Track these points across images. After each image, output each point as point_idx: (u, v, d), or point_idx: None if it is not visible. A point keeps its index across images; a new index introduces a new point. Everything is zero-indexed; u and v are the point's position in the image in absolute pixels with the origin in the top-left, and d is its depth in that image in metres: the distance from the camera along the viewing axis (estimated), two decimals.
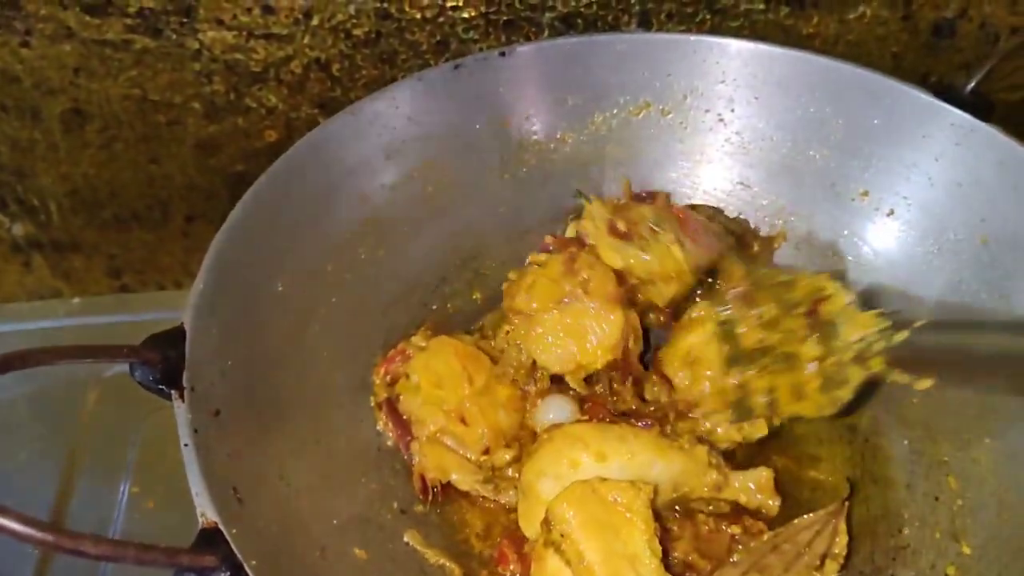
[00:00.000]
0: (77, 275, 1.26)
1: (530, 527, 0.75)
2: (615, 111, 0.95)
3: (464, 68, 0.89)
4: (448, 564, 0.77)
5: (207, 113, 1.10)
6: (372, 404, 0.85)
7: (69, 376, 1.03)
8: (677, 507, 0.78)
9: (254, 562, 0.58)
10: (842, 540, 0.76)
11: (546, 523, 0.71)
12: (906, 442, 0.85)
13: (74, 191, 1.17)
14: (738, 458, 0.83)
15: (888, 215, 0.91)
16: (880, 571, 0.78)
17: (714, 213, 0.96)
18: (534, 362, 0.84)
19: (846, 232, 0.93)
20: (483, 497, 0.81)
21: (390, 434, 0.84)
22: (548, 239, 0.91)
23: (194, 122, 1.11)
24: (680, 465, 0.76)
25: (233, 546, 0.58)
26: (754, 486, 0.78)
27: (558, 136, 0.96)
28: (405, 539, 0.78)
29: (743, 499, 0.79)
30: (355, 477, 0.79)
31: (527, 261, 0.89)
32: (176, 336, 0.67)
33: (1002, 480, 0.78)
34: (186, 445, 0.62)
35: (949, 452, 0.83)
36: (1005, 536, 0.74)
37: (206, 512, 0.59)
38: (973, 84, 0.85)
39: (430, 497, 0.81)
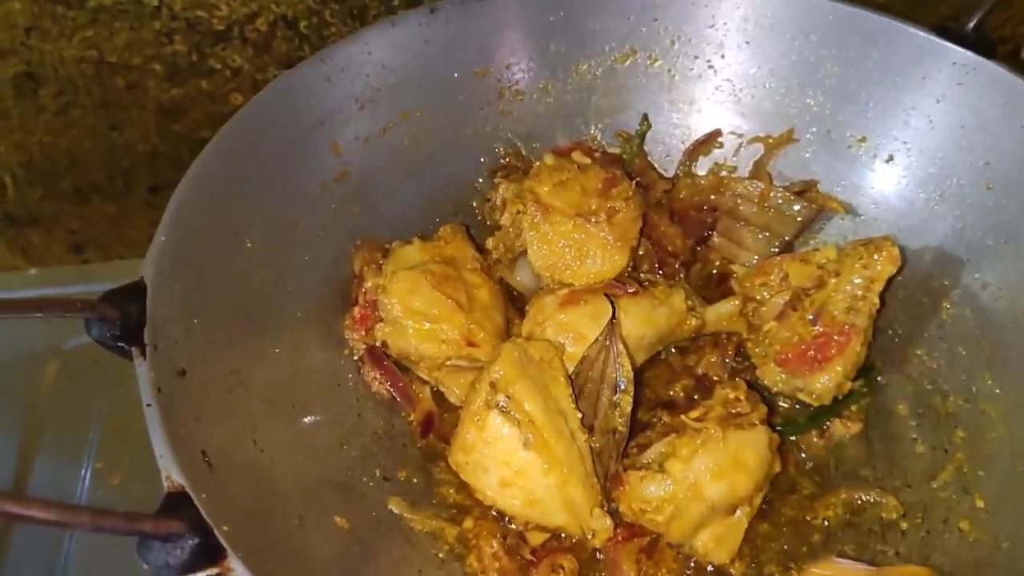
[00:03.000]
0: (36, 251, 1.20)
1: None
2: (600, 59, 0.91)
3: (440, 12, 0.85)
4: (440, 526, 0.73)
5: (169, 75, 1.05)
6: (354, 359, 0.81)
7: (27, 348, 0.98)
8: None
9: (226, 528, 0.53)
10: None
11: (492, 386, 0.70)
12: (912, 396, 0.82)
13: (30, 161, 1.11)
14: None
15: (887, 161, 0.87)
16: (891, 527, 0.75)
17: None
18: (523, 252, 0.82)
19: (844, 181, 0.89)
20: None
21: (376, 383, 0.80)
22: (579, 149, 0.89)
23: (155, 85, 1.05)
24: (664, 321, 0.78)
25: (202, 511, 0.53)
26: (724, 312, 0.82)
27: (541, 85, 0.91)
28: (390, 506, 0.73)
29: (718, 329, 0.84)
30: (334, 444, 0.75)
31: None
32: (136, 291, 0.62)
33: (1014, 430, 0.75)
34: (148, 405, 0.57)
35: (957, 405, 0.80)
36: (1022, 488, 0.71)
37: (172, 475, 0.54)
38: (974, 22, 0.81)
39: (431, 432, 0.79)
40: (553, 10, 0.88)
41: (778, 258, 0.82)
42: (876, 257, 0.77)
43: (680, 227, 0.87)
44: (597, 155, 0.89)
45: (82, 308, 0.58)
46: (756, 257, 0.86)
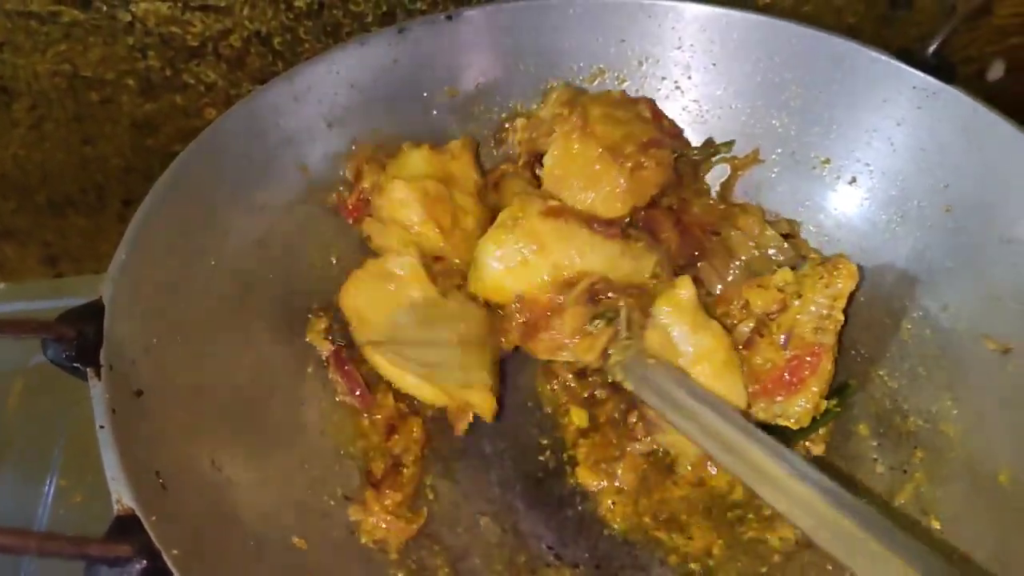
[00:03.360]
0: (10, 264, 1.20)
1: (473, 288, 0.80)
2: (568, 78, 0.92)
3: (409, 32, 0.85)
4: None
5: (142, 90, 1.05)
6: (318, 372, 0.82)
7: None
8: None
9: (175, 552, 0.53)
10: None
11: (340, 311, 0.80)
12: (874, 416, 0.83)
13: (3, 175, 1.11)
14: None
15: (850, 183, 0.88)
16: None
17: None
18: (540, 159, 0.83)
19: (807, 202, 0.90)
20: None
21: (340, 389, 0.81)
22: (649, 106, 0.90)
23: (129, 100, 1.06)
24: (624, 273, 0.79)
25: (151, 534, 0.53)
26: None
27: (510, 104, 0.92)
28: (349, 514, 0.74)
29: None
30: (294, 463, 0.75)
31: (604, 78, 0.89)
32: (93, 311, 0.62)
33: (971, 451, 0.75)
34: (101, 427, 0.57)
35: (916, 425, 0.80)
36: (979, 508, 0.72)
37: (122, 497, 0.54)
38: (934, 47, 0.82)
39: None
40: (522, 30, 0.89)
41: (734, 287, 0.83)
42: (835, 274, 0.78)
43: (680, 238, 0.87)
44: (665, 123, 0.90)
45: (37, 328, 0.58)
46: (720, 287, 0.86)
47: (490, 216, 0.83)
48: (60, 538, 0.49)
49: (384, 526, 0.74)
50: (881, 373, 0.84)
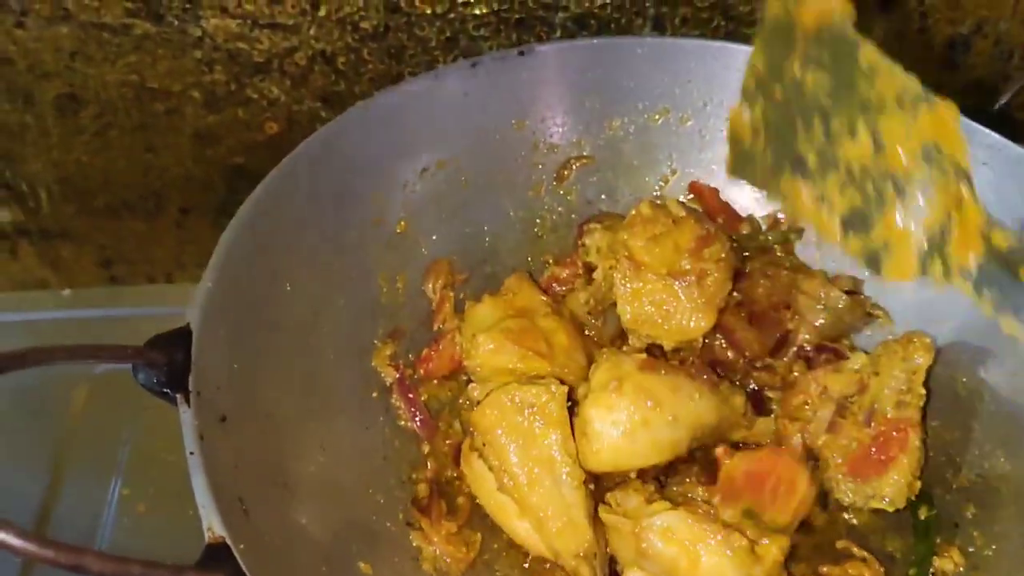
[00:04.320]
0: (66, 264, 1.23)
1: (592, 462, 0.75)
2: (633, 116, 0.93)
3: (481, 66, 0.87)
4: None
5: (207, 103, 1.07)
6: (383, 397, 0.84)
7: (58, 372, 0.97)
8: None
9: None
10: None
11: (470, 431, 0.74)
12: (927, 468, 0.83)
13: (65, 178, 1.13)
14: None
15: None
16: None
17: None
18: (614, 304, 0.83)
19: None
20: None
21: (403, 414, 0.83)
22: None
23: (193, 111, 1.08)
24: (722, 418, 0.79)
25: (241, 562, 0.55)
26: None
27: (574, 140, 0.93)
28: (411, 540, 0.76)
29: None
30: (361, 487, 0.77)
31: (655, 195, 0.90)
32: (182, 337, 0.64)
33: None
34: (192, 454, 0.59)
35: (969, 479, 0.81)
36: None
37: (213, 526, 0.56)
38: (1002, 102, 0.83)
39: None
40: (590, 67, 0.90)
41: (809, 374, 0.83)
42: (911, 349, 0.79)
43: (757, 330, 0.86)
44: (707, 203, 0.90)
45: (132, 355, 0.60)
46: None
47: (576, 326, 0.84)
48: (161, 566, 0.51)
49: (441, 553, 0.76)
50: (935, 424, 0.85)
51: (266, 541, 0.62)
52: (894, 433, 0.78)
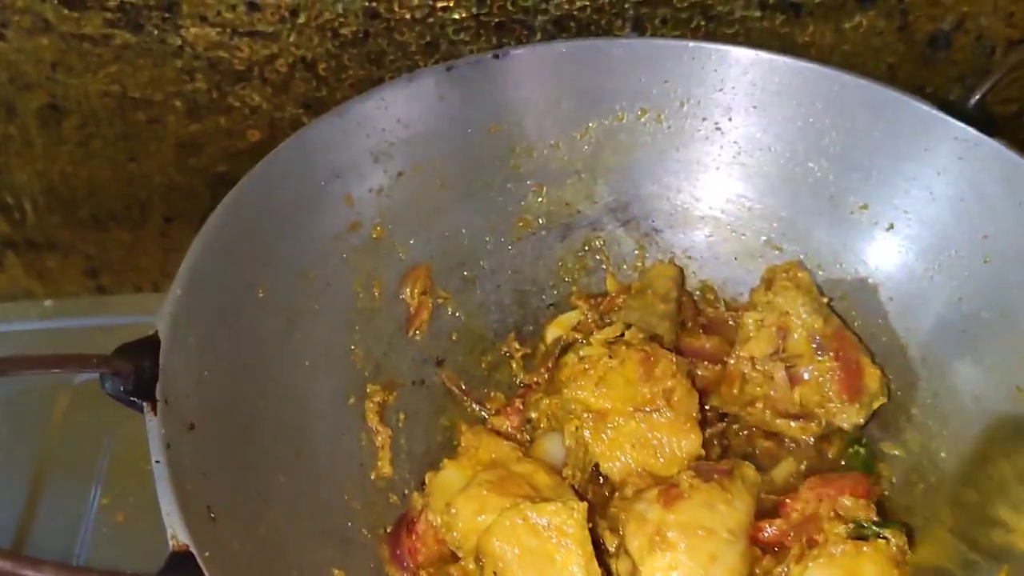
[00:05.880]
0: (52, 275, 1.23)
1: None
2: (610, 118, 0.93)
3: (457, 70, 0.87)
4: None
5: (189, 111, 1.07)
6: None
7: (39, 381, 0.99)
8: None
9: None
10: None
11: (478, 558, 0.68)
12: (907, 454, 0.85)
13: (50, 189, 1.14)
14: None
15: (888, 229, 0.89)
16: None
17: None
18: (596, 465, 0.78)
19: (844, 247, 0.91)
20: None
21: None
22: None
23: (175, 120, 1.08)
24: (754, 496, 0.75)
25: (205, 571, 0.54)
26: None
27: (551, 142, 0.93)
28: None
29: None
30: (336, 494, 0.76)
31: (574, 339, 0.85)
32: (150, 345, 0.64)
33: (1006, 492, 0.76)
34: (157, 462, 0.59)
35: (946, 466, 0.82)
36: None
37: (177, 534, 0.56)
38: (977, 97, 0.83)
39: None
40: (566, 69, 0.90)
41: (731, 360, 0.85)
42: (791, 273, 0.84)
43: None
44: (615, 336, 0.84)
45: (98, 364, 0.60)
46: None
47: (551, 466, 0.78)
48: (120, 575, 0.50)
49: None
50: (914, 411, 0.85)
51: (235, 549, 0.61)
52: (840, 351, 0.81)
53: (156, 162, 1.12)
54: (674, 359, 0.80)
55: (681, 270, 0.95)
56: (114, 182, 1.14)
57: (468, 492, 0.72)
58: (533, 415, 0.84)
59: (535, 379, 0.88)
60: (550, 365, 0.86)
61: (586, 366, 0.79)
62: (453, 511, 0.72)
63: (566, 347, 0.84)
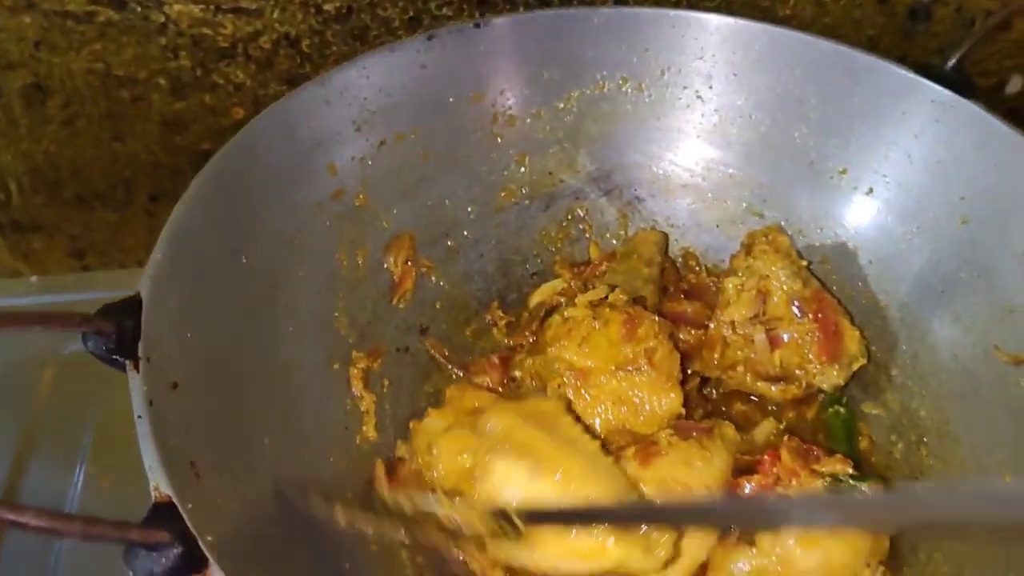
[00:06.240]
0: (37, 256, 1.23)
1: None
2: (592, 87, 0.93)
3: (438, 39, 0.87)
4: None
5: (173, 89, 1.07)
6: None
7: (25, 354, 1.00)
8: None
9: (210, 538, 0.55)
10: None
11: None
12: (886, 422, 0.85)
13: (35, 169, 1.14)
14: None
15: (867, 193, 0.89)
16: None
17: None
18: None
19: (824, 212, 0.92)
20: None
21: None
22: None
23: (159, 98, 1.08)
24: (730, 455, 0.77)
25: (187, 521, 0.55)
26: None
27: (533, 111, 0.94)
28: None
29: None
30: (321, 456, 0.77)
31: (558, 302, 0.87)
32: (132, 305, 0.64)
33: (978, 455, 0.78)
34: (139, 417, 0.59)
35: (927, 429, 0.83)
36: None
37: (159, 485, 0.56)
38: (953, 61, 0.84)
39: None
40: (547, 39, 0.90)
41: (712, 327, 0.86)
42: (770, 237, 0.85)
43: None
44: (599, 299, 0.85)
45: (80, 322, 0.60)
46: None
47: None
48: (102, 522, 0.51)
49: None
50: (894, 373, 0.86)
51: (218, 503, 0.62)
52: (819, 314, 0.82)
53: (141, 141, 1.12)
54: (657, 320, 0.81)
55: (665, 236, 0.96)
56: (99, 161, 1.14)
57: (450, 433, 0.74)
58: (517, 373, 0.85)
59: (520, 341, 0.88)
60: (534, 327, 0.87)
61: (570, 327, 0.80)
62: (435, 451, 0.73)
63: (551, 310, 0.85)
